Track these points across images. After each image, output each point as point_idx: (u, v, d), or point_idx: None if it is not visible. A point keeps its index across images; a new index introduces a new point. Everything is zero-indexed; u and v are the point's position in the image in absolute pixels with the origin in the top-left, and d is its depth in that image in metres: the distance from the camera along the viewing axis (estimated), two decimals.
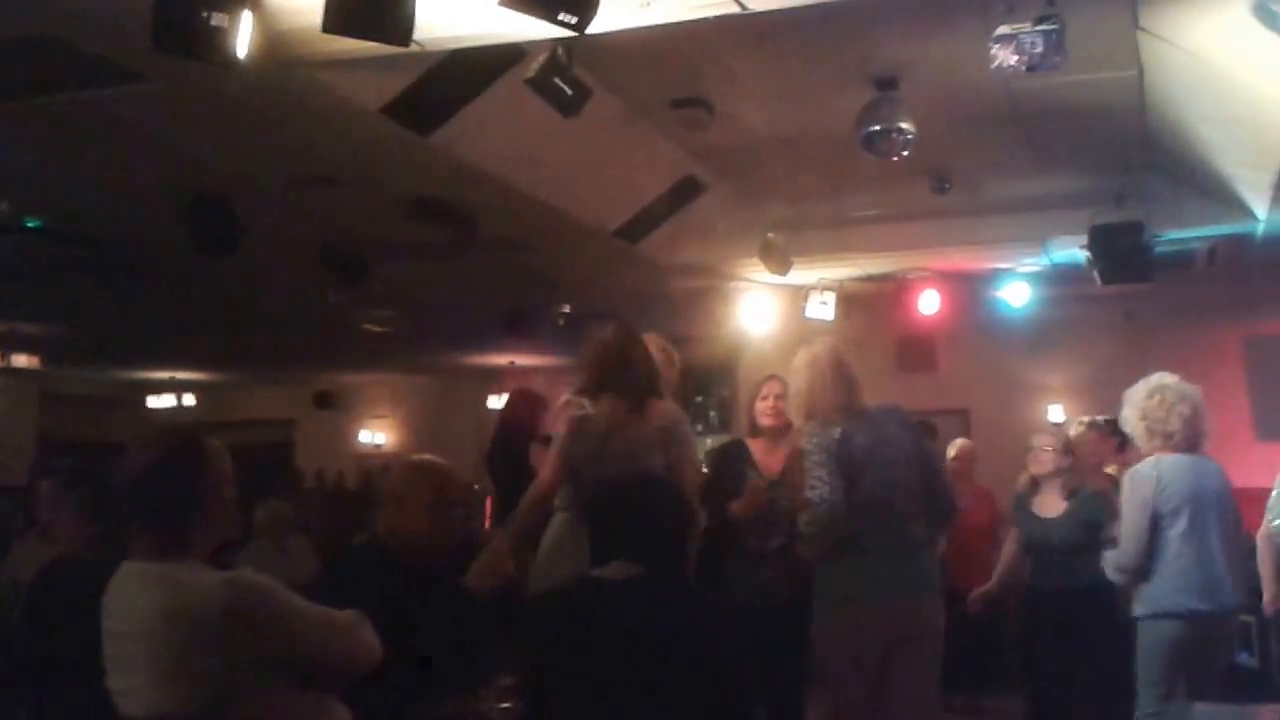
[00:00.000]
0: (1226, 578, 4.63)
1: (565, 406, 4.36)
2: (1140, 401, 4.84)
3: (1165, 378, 4.87)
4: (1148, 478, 4.72)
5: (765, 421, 5.14)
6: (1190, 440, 4.75)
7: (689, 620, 2.72)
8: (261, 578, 2.60)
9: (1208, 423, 4.81)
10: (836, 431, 4.28)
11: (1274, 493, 5.15)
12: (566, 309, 10.09)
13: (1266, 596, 5.31)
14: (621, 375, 4.32)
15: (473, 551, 3.49)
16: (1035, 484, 6.18)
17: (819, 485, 4.24)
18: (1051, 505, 6.07)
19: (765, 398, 5.14)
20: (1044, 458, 6.11)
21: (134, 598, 2.56)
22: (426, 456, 3.57)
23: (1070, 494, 6.05)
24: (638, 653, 2.64)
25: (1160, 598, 4.64)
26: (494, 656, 3.28)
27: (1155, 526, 4.66)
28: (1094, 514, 5.88)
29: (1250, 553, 5.30)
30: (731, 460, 5.23)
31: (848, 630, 4.19)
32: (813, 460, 4.29)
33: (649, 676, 2.62)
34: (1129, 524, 4.73)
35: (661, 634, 2.66)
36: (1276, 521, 5.07)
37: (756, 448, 5.20)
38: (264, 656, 2.51)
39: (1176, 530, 4.63)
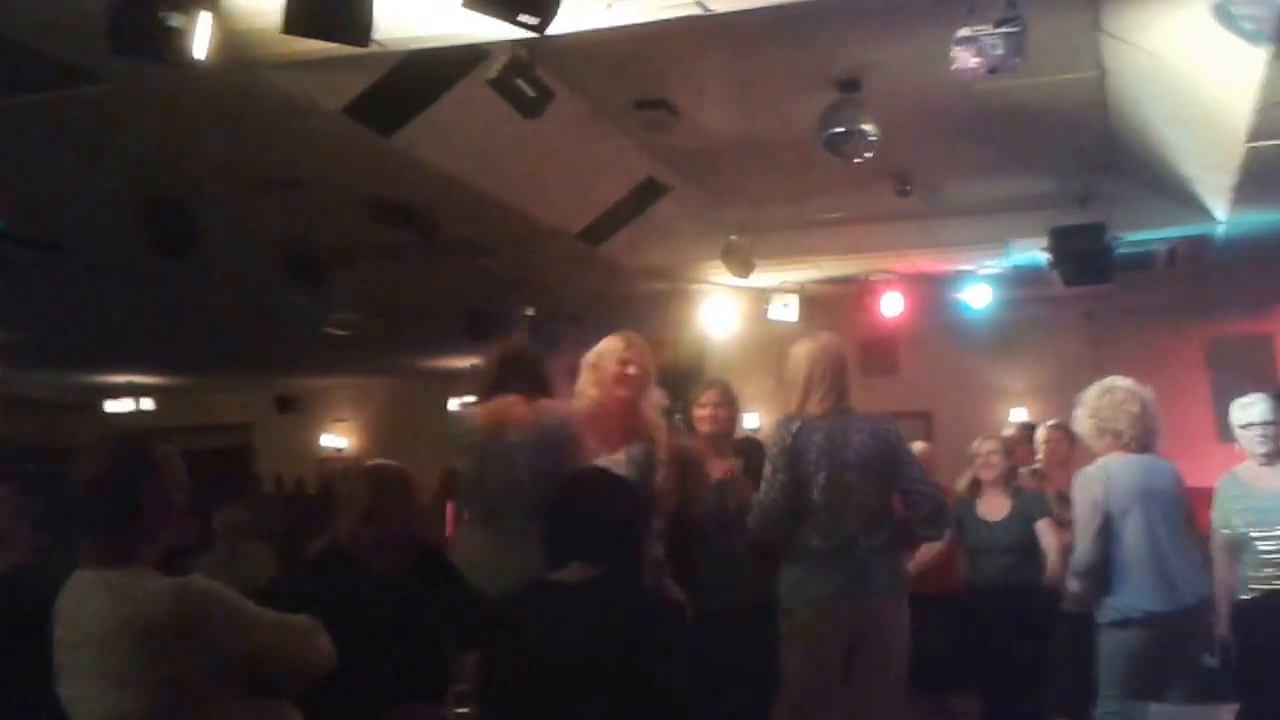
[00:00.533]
0: (1182, 575, 4.66)
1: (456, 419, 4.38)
2: (1090, 401, 4.88)
3: (1117, 379, 4.90)
4: (1096, 479, 4.74)
5: (704, 428, 5.12)
6: (1140, 439, 4.78)
7: (646, 625, 2.71)
8: (212, 584, 2.57)
9: (1159, 422, 4.82)
10: (794, 427, 4.24)
11: (1215, 508, 5.16)
12: (530, 311, 10.05)
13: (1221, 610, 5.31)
14: (510, 376, 4.23)
15: (431, 556, 3.45)
16: (977, 486, 6.25)
17: (764, 483, 4.24)
18: (996, 507, 6.14)
19: (704, 405, 5.09)
20: (993, 461, 6.16)
21: (84, 606, 2.53)
22: (381, 461, 3.54)
23: (1012, 494, 6.14)
24: (595, 658, 2.63)
25: (1117, 604, 4.65)
26: (450, 662, 3.26)
27: (1107, 527, 4.69)
28: (1035, 513, 5.98)
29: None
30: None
31: (802, 631, 4.18)
32: (769, 455, 4.28)
33: (606, 681, 2.61)
34: (1080, 525, 4.75)
35: (619, 639, 2.64)
36: (1225, 531, 5.09)
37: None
38: (216, 663, 2.48)
39: (1128, 530, 4.65)
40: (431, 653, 3.16)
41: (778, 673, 4.39)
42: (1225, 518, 5.06)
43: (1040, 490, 6.25)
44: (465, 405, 4.31)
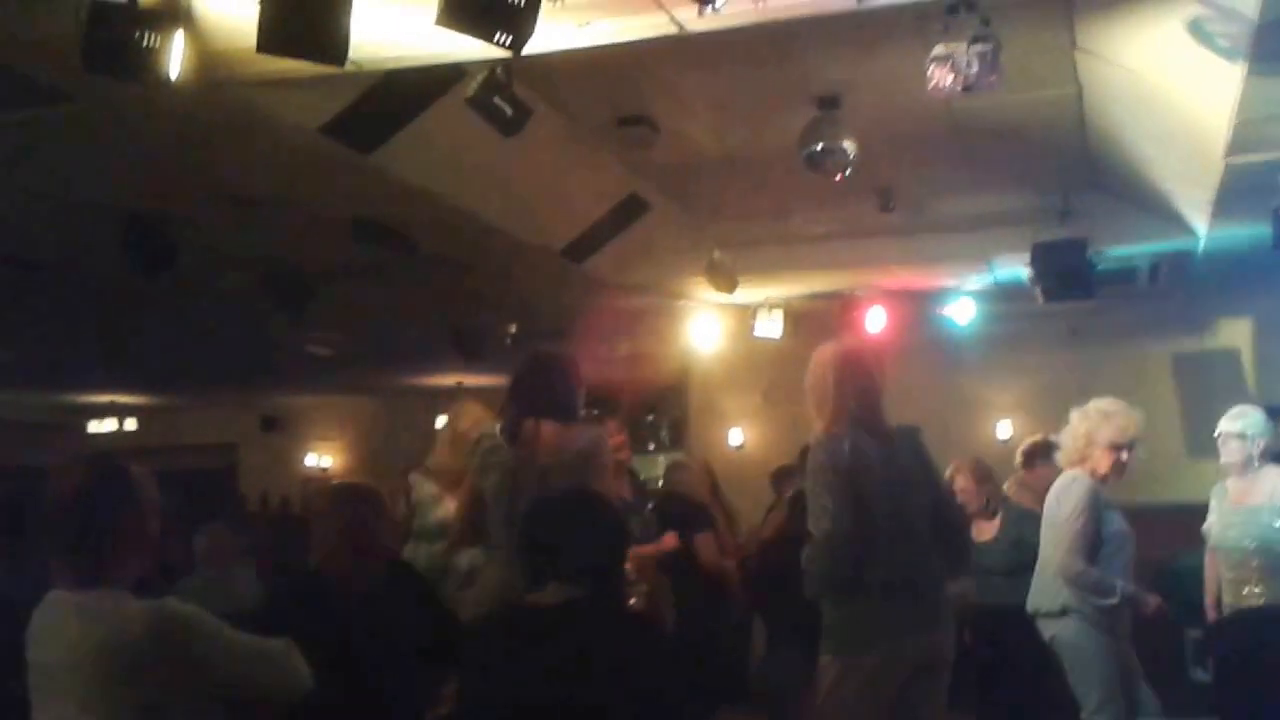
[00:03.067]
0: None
1: (478, 439, 4.28)
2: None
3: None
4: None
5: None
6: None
7: (626, 647, 2.70)
8: (186, 606, 2.58)
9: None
10: (846, 446, 3.78)
11: (1211, 517, 5.20)
12: (513, 329, 10.05)
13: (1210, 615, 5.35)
14: (537, 401, 4.18)
15: (404, 575, 3.45)
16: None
17: (823, 514, 3.75)
18: (983, 529, 6.14)
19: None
20: (964, 497, 6.12)
21: (57, 628, 2.53)
22: (348, 480, 3.54)
23: (994, 513, 6.13)
24: (573, 681, 2.62)
25: None
26: (428, 684, 3.25)
27: None
28: (1028, 532, 5.93)
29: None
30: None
31: (864, 679, 3.74)
32: (818, 482, 3.81)
33: (584, 705, 2.60)
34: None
35: (597, 662, 2.63)
36: (1213, 543, 5.13)
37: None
38: (190, 685, 2.49)
39: None
40: (406, 675, 3.15)
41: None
42: (1208, 531, 5.12)
43: (1033, 507, 6.08)
44: (489, 434, 4.27)
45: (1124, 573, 4.85)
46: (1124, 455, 4.89)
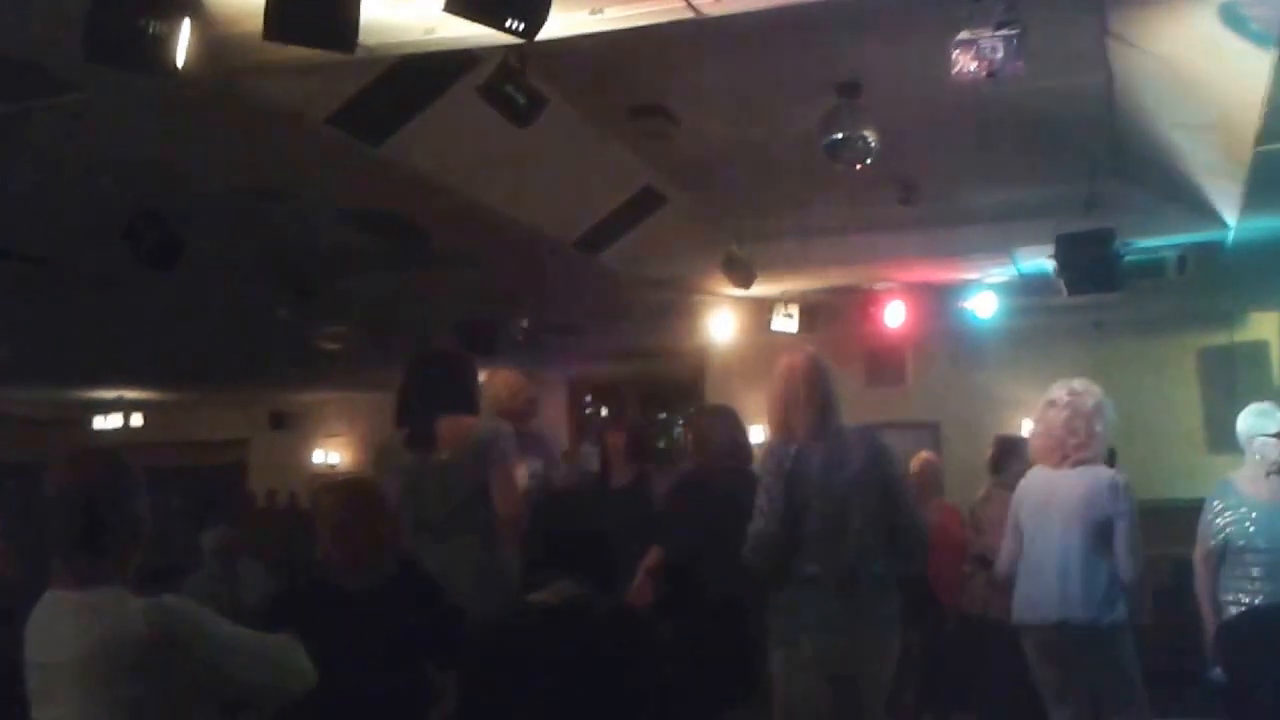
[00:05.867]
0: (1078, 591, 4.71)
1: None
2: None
3: (1056, 390, 5.00)
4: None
5: None
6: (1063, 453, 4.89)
7: (627, 646, 2.68)
8: (186, 602, 2.57)
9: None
10: (792, 451, 4.16)
11: (1206, 517, 5.11)
12: (525, 323, 10.04)
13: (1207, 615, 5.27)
14: (432, 400, 4.32)
15: (410, 571, 3.42)
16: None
17: (759, 514, 4.12)
18: None
19: None
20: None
21: (56, 628, 2.52)
22: (350, 475, 3.53)
23: None
24: (575, 681, 2.60)
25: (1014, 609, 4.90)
26: (430, 684, 3.23)
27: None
28: None
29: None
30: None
31: (790, 667, 4.11)
32: (764, 483, 4.19)
33: (586, 705, 2.58)
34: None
35: (599, 662, 2.61)
36: (1213, 543, 5.06)
37: None
38: (191, 682, 2.48)
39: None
40: (411, 673, 3.13)
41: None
42: (1214, 528, 5.02)
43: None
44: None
45: None
46: None
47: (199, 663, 2.48)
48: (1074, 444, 4.84)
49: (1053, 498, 4.85)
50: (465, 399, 4.35)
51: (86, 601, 2.51)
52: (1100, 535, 4.73)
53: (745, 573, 4.23)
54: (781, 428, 4.29)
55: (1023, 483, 5.07)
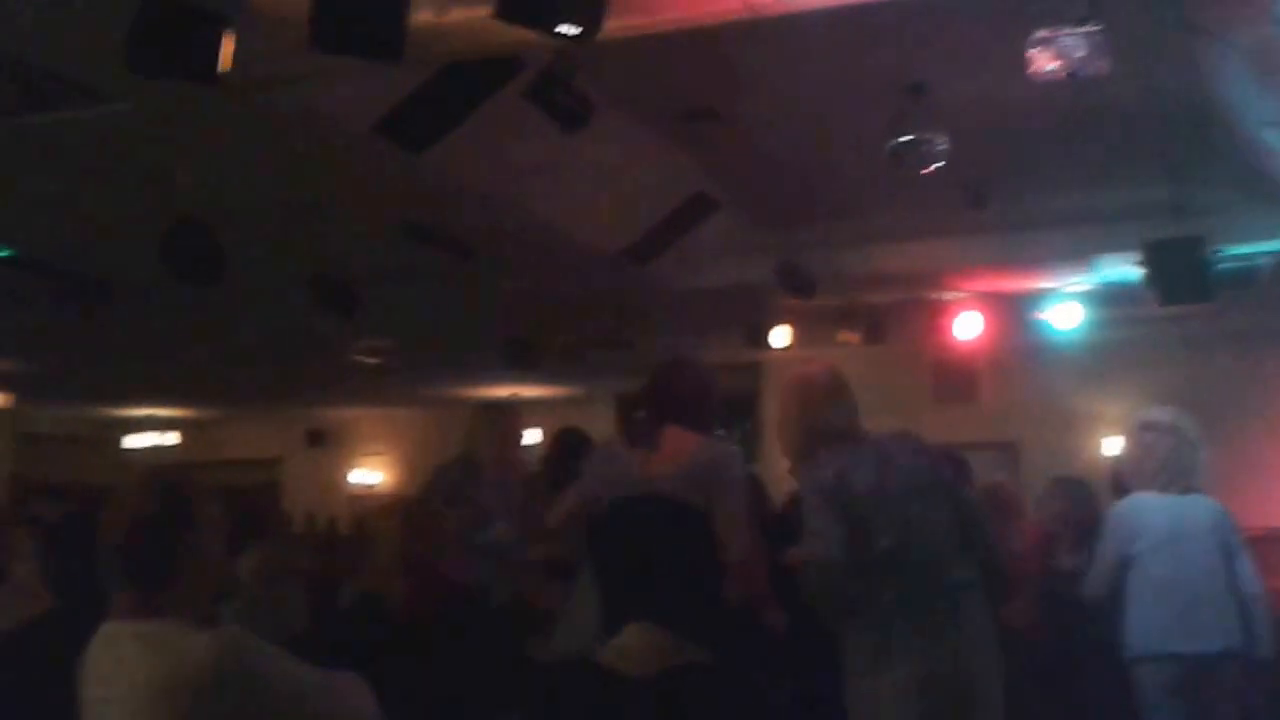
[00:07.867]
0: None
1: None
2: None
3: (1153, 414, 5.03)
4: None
5: None
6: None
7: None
8: (250, 636, 2.55)
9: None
10: (832, 469, 3.89)
11: None
12: (571, 338, 10.09)
13: None
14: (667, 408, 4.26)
15: (469, 600, 3.45)
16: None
17: (814, 539, 3.83)
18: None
19: None
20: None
21: (116, 661, 2.52)
22: (402, 496, 3.53)
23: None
24: None
25: (1129, 640, 4.85)
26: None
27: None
28: None
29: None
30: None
31: (880, 707, 3.77)
32: (807, 507, 3.91)
33: None
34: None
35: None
36: None
37: None
38: (254, 718, 2.47)
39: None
40: (465, 714, 3.13)
41: None
42: None
43: None
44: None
45: None
46: None
47: (263, 700, 2.48)
48: (1180, 470, 4.86)
49: (1179, 524, 4.83)
50: (701, 412, 4.28)
51: (148, 633, 2.51)
52: (1230, 563, 4.76)
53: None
54: (799, 446, 4.10)
55: (1128, 507, 4.99)
